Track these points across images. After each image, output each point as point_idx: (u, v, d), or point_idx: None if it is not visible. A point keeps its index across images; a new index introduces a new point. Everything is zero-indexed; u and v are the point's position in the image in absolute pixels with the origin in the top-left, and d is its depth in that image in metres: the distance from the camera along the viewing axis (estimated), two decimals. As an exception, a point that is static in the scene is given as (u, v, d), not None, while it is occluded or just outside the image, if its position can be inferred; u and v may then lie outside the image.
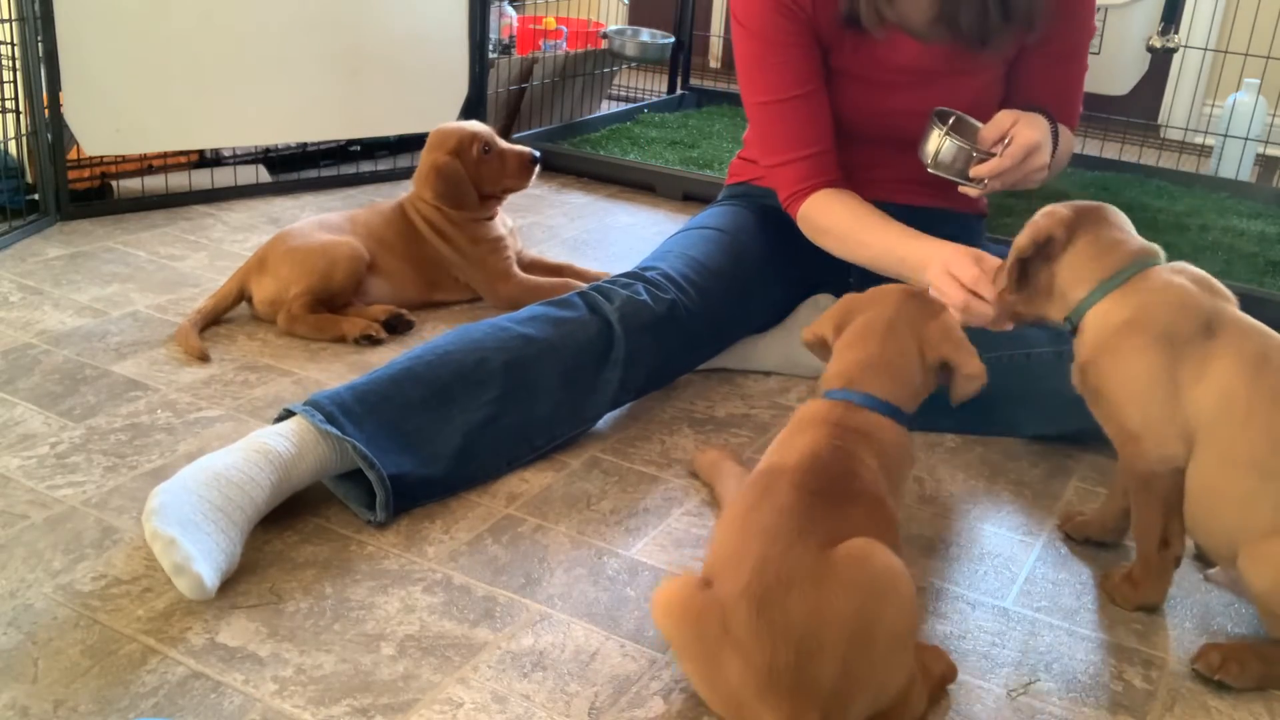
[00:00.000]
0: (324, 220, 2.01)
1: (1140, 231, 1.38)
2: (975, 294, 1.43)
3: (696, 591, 1.05)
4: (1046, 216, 1.34)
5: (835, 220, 1.68)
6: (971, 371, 1.27)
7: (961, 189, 1.60)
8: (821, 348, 1.33)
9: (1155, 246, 1.34)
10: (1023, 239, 1.34)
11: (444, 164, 2.02)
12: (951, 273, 1.46)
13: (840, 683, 0.98)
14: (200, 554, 1.18)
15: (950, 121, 1.62)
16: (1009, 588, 1.35)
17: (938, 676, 1.13)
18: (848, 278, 1.83)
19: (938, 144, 1.59)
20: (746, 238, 1.80)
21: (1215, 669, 1.19)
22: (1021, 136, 1.54)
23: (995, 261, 1.44)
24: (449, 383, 1.47)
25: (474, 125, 2.09)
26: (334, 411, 1.38)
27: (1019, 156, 1.54)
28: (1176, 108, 3.75)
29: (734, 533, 1.08)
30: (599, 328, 1.59)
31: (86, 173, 2.48)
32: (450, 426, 1.45)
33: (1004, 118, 1.58)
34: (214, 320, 1.90)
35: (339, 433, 1.35)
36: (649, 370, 1.64)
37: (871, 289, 1.33)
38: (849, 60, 1.70)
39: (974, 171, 1.57)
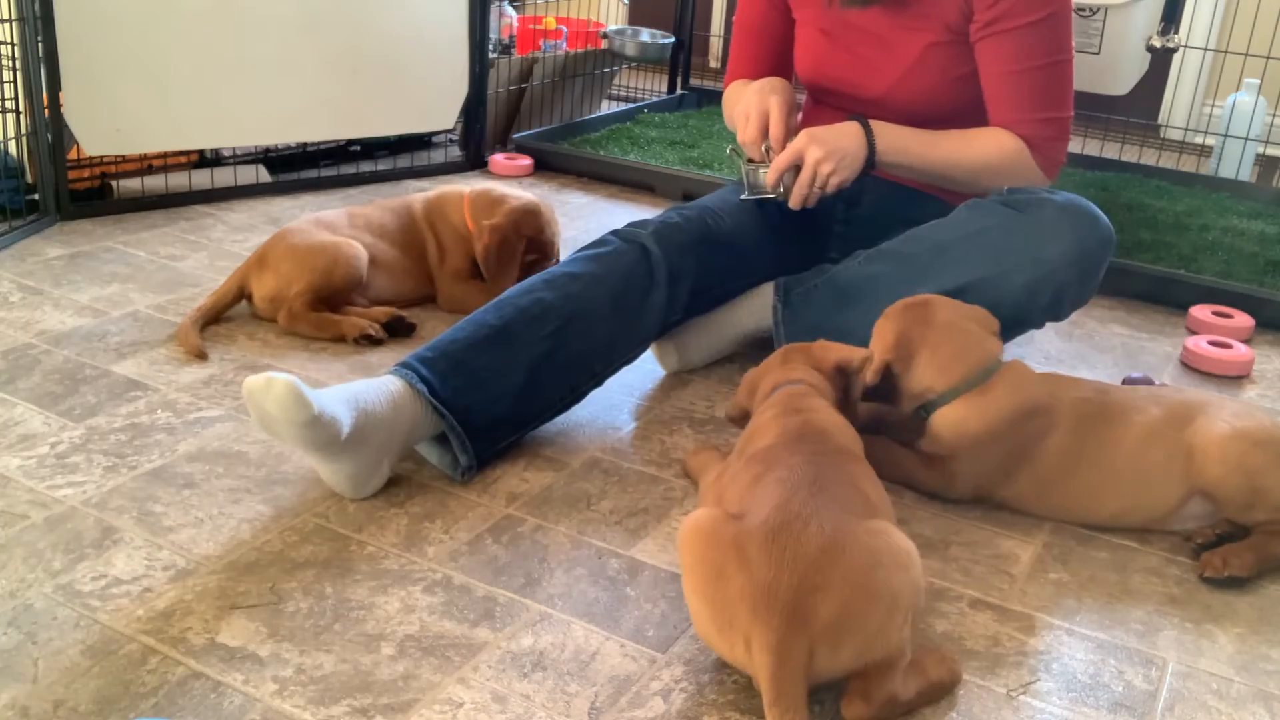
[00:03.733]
0: (322, 217, 2.01)
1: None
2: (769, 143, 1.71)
3: (727, 518, 1.11)
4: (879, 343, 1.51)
5: (730, 94, 1.94)
6: (858, 359, 1.43)
7: (791, 203, 1.73)
8: (745, 417, 1.46)
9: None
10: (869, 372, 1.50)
11: (511, 243, 1.99)
12: (764, 109, 1.72)
13: (834, 623, 1.02)
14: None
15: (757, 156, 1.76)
16: (1009, 588, 1.35)
17: (934, 679, 1.13)
18: (827, 253, 1.91)
19: (743, 173, 1.76)
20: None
21: (1222, 569, 1.36)
22: (793, 145, 1.69)
23: (777, 108, 1.71)
24: (509, 322, 1.54)
25: (556, 231, 2.08)
26: (413, 362, 1.48)
27: (788, 161, 1.68)
28: (1176, 108, 3.75)
29: (748, 491, 1.15)
30: (638, 254, 1.67)
31: (86, 173, 2.48)
32: (515, 363, 1.52)
33: (798, 135, 1.71)
34: (215, 318, 1.91)
35: (413, 376, 1.45)
36: (693, 287, 1.72)
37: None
38: (814, 14, 1.84)
39: (767, 181, 1.71)
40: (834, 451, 1.21)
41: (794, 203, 1.71)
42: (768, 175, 1.71)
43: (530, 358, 1.53)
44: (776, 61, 1.95)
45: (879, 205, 1.87)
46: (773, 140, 1.72)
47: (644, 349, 1.71)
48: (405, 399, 1.44)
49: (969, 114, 1.78)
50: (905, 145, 1.72)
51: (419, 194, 2.12)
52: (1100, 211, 1.66)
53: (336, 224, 2.00)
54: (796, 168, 1.69)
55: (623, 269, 1.65)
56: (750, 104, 1.74)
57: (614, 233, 1.72)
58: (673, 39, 3.58)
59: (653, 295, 1.66)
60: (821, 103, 1.92)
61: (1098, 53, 3.12)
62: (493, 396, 1.50)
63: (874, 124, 1.72)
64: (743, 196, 1.78)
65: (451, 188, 2.12)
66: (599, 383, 1.64)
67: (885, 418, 1.63)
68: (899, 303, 1.53)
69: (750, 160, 1.75)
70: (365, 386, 1.42)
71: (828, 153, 1.66)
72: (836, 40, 1.82)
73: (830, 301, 1.74)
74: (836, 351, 1.45)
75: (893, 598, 1.04)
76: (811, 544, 1.04)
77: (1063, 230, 1.61)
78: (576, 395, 1.62)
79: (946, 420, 1.47)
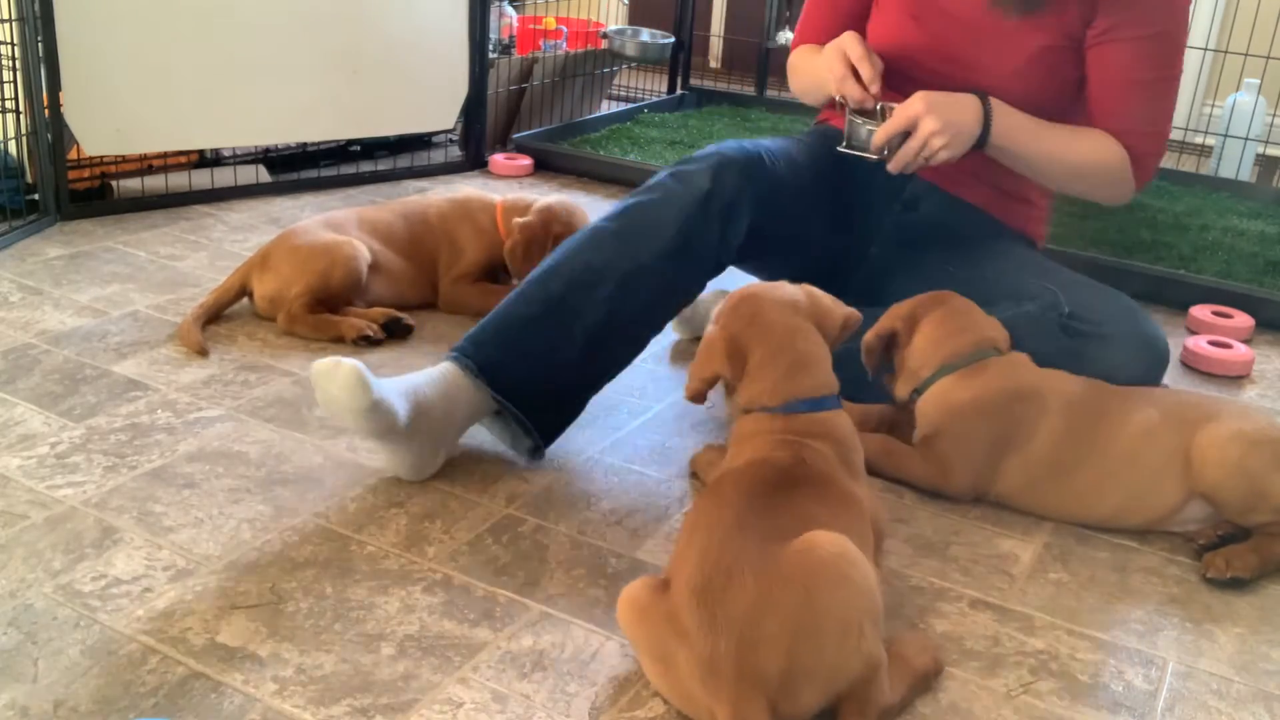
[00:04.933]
0: (331, 218, 2.01)
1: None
2: (855, 70, 1.64)
3: (652, 591, 1.09)
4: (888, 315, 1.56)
5: (795, 61, 1.88)
6: (851, 319, 1.32)
7: (890, 167, 1.63)
8: (714, 382, 1.29)
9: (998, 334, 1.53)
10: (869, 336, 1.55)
11: (540, 241, 1.99)
12: (842, 48, 1.66)
13: (787, 672, 0.99)
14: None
15: (866, 110, 1.68)
16: (1009, 588, 1.35)
17: (920, 670, 1.13)
18: (869, 248, 1.83)
19: (846, 124, 1.67)
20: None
21: (1225, 570, 1.37)
22: (908, 109, 1.59)
23: (853, 41, 1.66)
24: (561, 293, 1.51)
25: (573, 212, 2.06)
26: (465, 345, 1.49)
27: (899, 125, 1.59)
28: (1177, 108, 3.75)
29: (684, 534, 1.12)
30: (691, 195, 1.58)
31: (86, 173, 2.48)
32: (572, 335, 1.50)
33: (914, 96, 1.61)
34: (217, 315, 1.91)
35: (466, 359, 1.46)
36: (750, 224, 1.63)
37: (736, 307, 1.29)
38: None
39: (874, 142, 1.62)
40: (789, 481, 1.14)
41: (894, 167, 1.62)
42: (875, 134, 1.61)
43: (587, 326, 1.50)
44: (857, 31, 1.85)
45: (933, 214, 1.82)
46: (866, 79, 1.63)
47: (703, 286, 1.64)
48: (461, 387, 1.46)
49: (1064, 119, 1.72)
50: (1016, 132, 1.64)
51: (435, 199, 2.11)
52: (1158, 331, 1.63)
53: (345, 226, 2.00)
54: (905, 131, 1.61)
55: (674, 216, 1.57)
56: (829, 55, 1.67)
57: (669, 173, 1.64)
58: (673, 39, 3.58)
59: (708, 234, 1.58)
60: (900, 91, 1.72)
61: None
62: (553, 373, 1.49)
63: (994, 103, 1.63)
64: (840, 147, 1.68)
65: (479, 193, 2.12)
66: (659, 330, 1.61)
67: (891, 418, 1.63)
68: (921, 295, 1.57)
69: (856, 111, 1.66)
70: (422, 377, 1.45)
71: (943, 125, 1.57)
72: (927, 27, 1.73)
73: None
74: (841, 310, 1.33)
75: (840, 622, 1.00)
76: (738, 599, 1.00)
77: (1127, 368, 1.57)
78: (640, 348, 1.59)
79: (933, 394, 1.51)
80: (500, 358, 1.48)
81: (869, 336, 1.54)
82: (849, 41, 1.66)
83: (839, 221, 1.83)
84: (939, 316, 1.52)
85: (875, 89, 1.64)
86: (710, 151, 1.66)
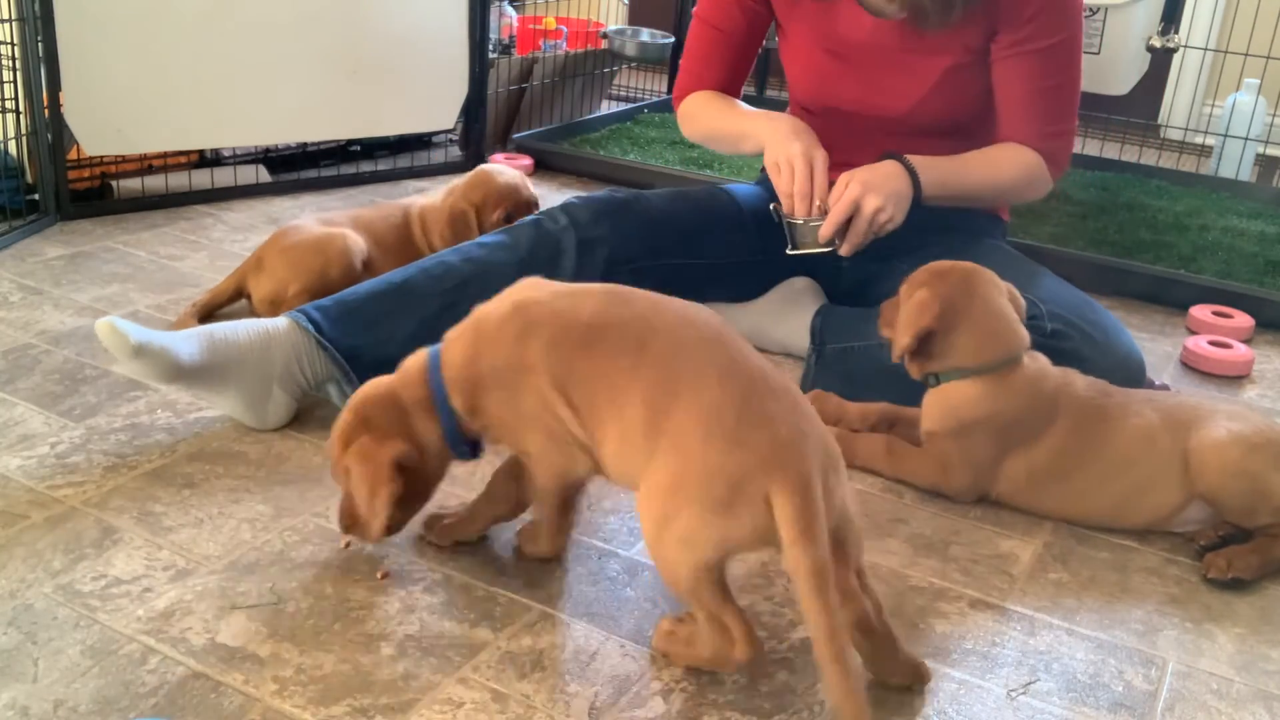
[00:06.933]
0: (327, 219, 2.01)
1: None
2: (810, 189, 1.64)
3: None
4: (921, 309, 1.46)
5: (699, 107, 1.90)
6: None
7: (843, 251, 1.65)
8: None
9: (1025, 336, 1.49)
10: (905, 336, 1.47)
11: (460, 213, 2.02)
12: (811, 167, 1.64)
13: (833, 455, 1.07)
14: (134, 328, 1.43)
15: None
16: (1009, 588, 1.35)
17: (705, 657, 1.13)
18: (839, 263, 1.83)
19: (786, 227, 1.68)
20: (737, 196, 1.91)
21: (1226, 571, 1.37)
22: (847, 196, 1.61)
23: (822, 163, 1.64)
24: (409, 278, 1.64)
25: (512, 183, 2.06)
26: (309, 306, 1.60)
27: (843, 215, 1.62)
28: (1176, 108, 3.75)
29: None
30: (547, 224, 1.74)
31: (86, 173, 2.48)
32: (408, 312, 1.60)
33: (842, 179, 1.64)
34: (209, 314, 1.90)
35: (302, 317, 1.55)
36: (610, 256, 1.73)
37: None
38: (810, 29, 1.79)
39: (821, 235, 1.64)
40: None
41: (847, 250, 1.65)
42: (822, 229, 1.63)
43: (425, 310, 1.59)
44: (744, 69, 1.92)
45: None
46: (821, 198, 1.64)
47: None
48: (284, 332, 1.55)
49: (979, 125, 1.79)
50: (944, 179, 1.69)
51: (416, 202, 2.11)
52: (1135, 348, 1.66)
53: (341, 226, 1.99)
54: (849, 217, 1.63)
55: (530, 237, 1.72)
56: (792, 153, 1.65)
57: (547, 209, 1.78)
58: (673, 39, 3.58)
59: (562, 261, 1.70)
60: (825, 120, 1.82)
61: (1098, 53, 3.12)
62: (382, 339, 1.56)
63: (913, 161, 1.67)
64: (789, 251, 1.69)
65: (430, 202, 2.10)
66: None
67: (892, 417, 1.63)
68: (933, 267, 1.49)
69: (791, 214, 1.67)
70: (235, 323, 1.55)
71: (885, 199, 1.61)
72: (846, 60, 1.78)
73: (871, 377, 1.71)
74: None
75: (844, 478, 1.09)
76: (782, 401, 1.07)
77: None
78: None
79: (950, 395, 1.48)
80: (340, 320, 1.58)
81: (904, 337, 1.46)
82: (817, 157, 1.65)
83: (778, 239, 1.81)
84: (977, 317, 1.45)
85: (821, 205, 1.65)
86: (590, 194, 1.81)
